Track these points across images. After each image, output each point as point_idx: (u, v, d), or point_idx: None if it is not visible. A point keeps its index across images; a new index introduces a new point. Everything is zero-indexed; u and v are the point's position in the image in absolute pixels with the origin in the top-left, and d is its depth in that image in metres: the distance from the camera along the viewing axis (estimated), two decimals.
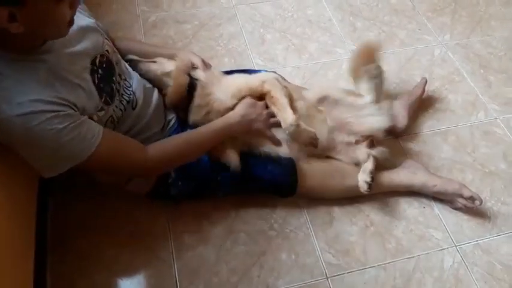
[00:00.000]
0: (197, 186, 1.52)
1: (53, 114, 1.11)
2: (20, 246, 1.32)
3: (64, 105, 1.15)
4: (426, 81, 1.92)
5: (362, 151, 1.58)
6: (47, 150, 1.13)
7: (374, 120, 1.60)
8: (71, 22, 1.13)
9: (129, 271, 1.49)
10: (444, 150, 1.82)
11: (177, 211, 1.59)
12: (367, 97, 1.63)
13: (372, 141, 1.60)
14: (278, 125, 1.49)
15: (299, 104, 1.54)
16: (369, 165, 1.55)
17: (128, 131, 1.43)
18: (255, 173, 1.49)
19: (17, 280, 1.25)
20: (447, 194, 1.61)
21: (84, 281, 1.44)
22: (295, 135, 1.46)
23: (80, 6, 1.39)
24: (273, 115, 1.50)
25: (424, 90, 1.90)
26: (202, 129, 1.44)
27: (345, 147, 1.60)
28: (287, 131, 1.45)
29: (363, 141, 1.60)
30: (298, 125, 1.44)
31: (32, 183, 1.48)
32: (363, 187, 1.52)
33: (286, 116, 1.45)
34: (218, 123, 1.46)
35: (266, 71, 1.81)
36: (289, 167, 1.51)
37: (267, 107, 1.52)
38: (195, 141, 1.43)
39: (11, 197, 1.27)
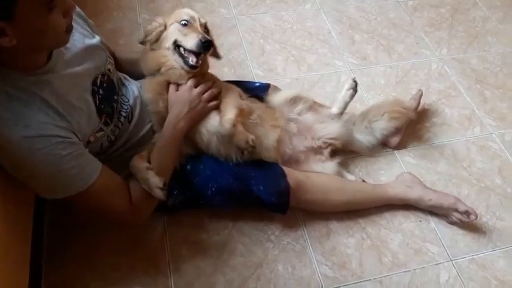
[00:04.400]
0: (192, 196, 1.51)
1: (59, 140, 1.12)
2: (15, 253, 1.31)
3: (69, 131, 1.15)
4: (422, 94, 1.94)
5: (328, 165, 1.65)
6: (45, 175, 1.14)
7: (334, 127, 1.68)
8: (68, 29, 1.13)
9: (125, 281, 1.48)
10: (440, 164, 1.83)
11: (174, 221, 1.59)
12: (334, 109, 1.72)
13: (333, 150, 1.68)
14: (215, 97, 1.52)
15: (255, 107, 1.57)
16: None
17: (122, 146, 1.43)
18: (249, 189, 1.47)
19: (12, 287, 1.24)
20: (443, 208, 1.62)
21: None
22: (230, 135, 1.42)
23: (84, 21, 1.39)
24: (205, 90, 1.50)
25: (419, 103, 1.92)
26: (164, 152, 1.40)
27: (308, 156, 1.63)
28: (222, 128, 1.43)
29: (325, 148, 1.66)
30: (234, 125, 1.42)
31: (28, 192, 1.46)
32: None
33: (225, 113, 1.44)
34: (170, 134, 1.42)
35: (261, 83, 1.83)
36: (280, 186, 1.47)
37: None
38: (166, 168, 1.39)
39: (7, 203, 1.26)
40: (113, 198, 1.29)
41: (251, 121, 1.51)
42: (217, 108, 1.50)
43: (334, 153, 1.69)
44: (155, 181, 1.29)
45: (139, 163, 1.34)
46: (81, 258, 1.49)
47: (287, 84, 2.04)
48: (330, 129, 1.67)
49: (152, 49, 1.50)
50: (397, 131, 1.80)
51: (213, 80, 1.56)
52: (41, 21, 1.02)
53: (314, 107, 1.70)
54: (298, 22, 2.39)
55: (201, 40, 1.40)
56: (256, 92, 1.70)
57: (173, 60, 1.46)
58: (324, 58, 2.21)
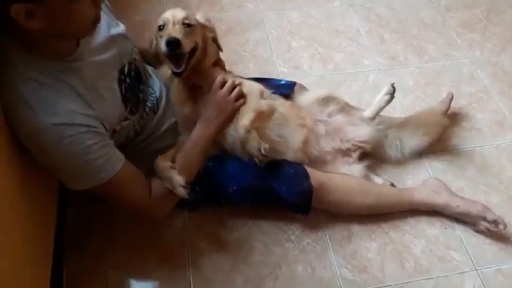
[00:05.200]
0: (214, 193, 1.51)
1: (87, 129, 1.13)
2: (41, 241, 1.34)
3: (96, 120, 1.16)
4: (452, 97, 1.88)
5: (355, 167, 1.60)
6: (70, 164, 1.15)
7: (365, 130, 1.62)
8: (96, 19, 1.13)
9: (143, 273, 1.49)
10: (469, 170, 1.77)
11: (195, 216, 1.59)
12: (367, 112, 1.66)
13: (362, 153, 1.63)
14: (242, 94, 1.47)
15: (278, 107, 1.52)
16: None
17: (146, 139, 1.43)
18: (271, 189, 1.45)
19: (36, 276, 1.27)
20: (470, 216, 1.57)
21: (98, 280, 1.45)
22: (243, 140, 1.39)
23: (109, 10, 1.40)
24: (231, 89, 1.46)
25: (449, 106, 1.87)
26: (191, 155, 1.40)
27: (335, 157, 1.59)
28: (236, 132, 1.41)
29: (354, 150, 1.62)
30: (248, 131, 1.39)
31: (53, 184, 1.50)
32: None
33: (243, 118, 1.41)
34: (199, 139, 1.41)
35: (287, 81, 1.80)
36: (303, 187, 1.45)
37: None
38: (191, 170, 1.39)
39: (33, 198, 1.28)
40: (133, 191, 1.29)
41: (273, 121, 1.49)
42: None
43: (362, 156, 1.66)
44: (178, 179, 1.30)
45: (163, 162, 1.34)
46: (101, 250, 1.51)
47: (312, 82, 2.00)
48: (361, 132, 1.62)
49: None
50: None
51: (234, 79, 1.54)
52: (68, 7, 1.03)
53: (346, 108, 1.66)
54: (326, 19, 2.35)
55: (166, 41, 1.31)
56: (282, 89, 1.67)
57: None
58: (352, 57, 2.17)
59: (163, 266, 1.49)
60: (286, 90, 1.70)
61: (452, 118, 1.92)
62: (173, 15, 1.39)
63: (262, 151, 1.36)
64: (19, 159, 1.17)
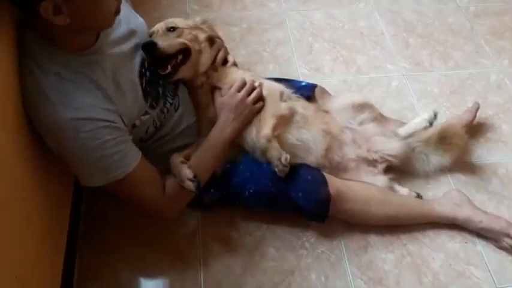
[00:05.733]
0: (229, 195, 1.49)
1: (105, 124, 1.12)
2: (54, 235, 1.34)
3: (116, 115, 1.15)
4: (478, 107, 1.81)
5: (379, 178, 1.55)
6: (88, 158, 1.14)
7: (396, 145, 1.56)
8: (117, 11, 1.13)
9: (153, 271, 1.48)
10: (493, 183, 1.71)
11: (208, 217, 1.57)
12: (401, 130, 1.59)
13: (388, 166, 1.58)
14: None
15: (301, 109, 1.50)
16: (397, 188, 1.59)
17: (165, 136, 1.42)
18: (287, 194, 1.42)
19: (48, 268, 1.27)
20: (493, 232, 1.51)
21: (109, 276, 1.44)
22: (264, 150, 1.39)
23: (128, 4, 1.40)
24: (249, 92, 1.45)
25: (475, 116, 1.80)
26: (206, 155, 1.39)
27: (359, 165, 1.55)
28: (257, 142, 1.40)
29: (381, 162, 1.57)
30: (270, 141, 1.37)
31: (69, 178, 1.49)
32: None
33: (263, 127, 1.40)
34: (215, 141, 1.40)
35: (307, 83, 1.77)
36: (320, 194, 1.41)
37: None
38: (206, 171, 1.38)
39: (49, 191, 1.28)
40: (146, 189, 1.28)
41: (293, 124, 1.46)
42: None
43: (388, 169, 1.60)
44: (186, 173, 1.30)
45: (175, 158, 1.34)
46: (113, 247, 1.49)
47: (334, 85, 1.96)
48: (391, 146, 1.57)
49: None
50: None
51: (254, 79, 1.51)
52: (93, 3, 1.04)
53: (379, 118, 1.61)
54: (350, 21, 2.30)
55: (141, 46, 1.32)
56: (302, 91, 1.64)
57: None
58: (375, 61, 2.12)
59: (174, 265, 1.47)
60: (306, 92, 1.67)
61: (477, 128, 1.86)
62: (159, 25, 1.42)
63: (283, 161, 1.34)
64: (36, 150, 1.17)
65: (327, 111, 1.59)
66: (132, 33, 1.30)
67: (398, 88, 2.01)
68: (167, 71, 1.36)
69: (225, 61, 1.54)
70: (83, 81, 1.11)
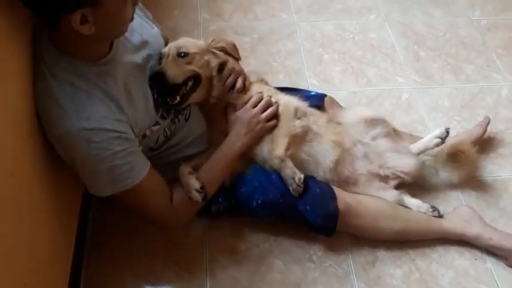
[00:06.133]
0: (236, 205, 1.48)
1: (117, 134, 1.12)
2: (61, 244, 1.34)
3: (127, 126, 1.16)
4: (489, 121, 1.80)
5: (389, 193, 1.54)
6: (98, 168, 1.14)
7: (410, 161, 1.55)
8: (132, 18, 1.14)
9: (160, 281, 1.47)
10: (504, 199, 1.69)
11: (215, 227, 1.56)
12: (412, 147, 1.58)
13: (400, 183, 1.56)
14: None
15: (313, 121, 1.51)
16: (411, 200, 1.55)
17: (175, 146, 1.42)
18: (295, 207, 1.41)
19: (55, 276, 1.27)
20: (503, 250, 1.49)
21: (115, 285, 1.44)
22: (277, 169, 1.39)
23: (142, 12, 1.41)
24: (264, 109, 1.45)
25: (485, 130, 1.79)
26: (215, 167, 1.39)
27: (370, 180, 1.53)
28: (271, 162, 1.41)
29: (392, 179, 1.55)
30: (283, 161, 1.38)
31: (77, 186, 1.49)
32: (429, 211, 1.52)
33: (276, 147, 1.40)
34: (225, 153, 1.40)
35: (317, 93, 1.77)
36: (329, 209, 1.40)
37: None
38: (213, 184, 1.38)
39: (58, 198, 1.28)
40: (154, 199, 1.29)
41: (306, 142, 1.47)
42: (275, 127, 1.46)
43: (400, 185, 1.58)
44: (194, 183, 1.30)
45: (184, 168, 1.35)
46: (119, 256, 1.49)
47: (343, 97, 1.95)
48: (405, 162, 1.55)
49: None
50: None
51: (270, 94, 1.52)
52: (119, 10, 1.05)
53: (392, 134, 1.59)
54: (360, 33, 2.30)
55: (149, 76, 1.29)
56: (311, 101, 1.64)
57: None
58: (385, 73, 2.11)
59: (181, 276, 1.46)
60: (316, 101, 1.67)
61: (488, 143, 1.84)
62: (170, 47, 1.39)
63: (297, 180, 1.35)
64: (47, 156, 1.17)
65: (339, 123, 1.58)
66: (144, 44, 1.31)
67: (409, 101, 2.00)
68: (176, 101, 1.33)
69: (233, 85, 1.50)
70: (96, 91, 1.12)
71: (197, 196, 1.30)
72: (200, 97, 1.44)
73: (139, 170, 1.21)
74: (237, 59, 1.53)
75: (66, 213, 1.39)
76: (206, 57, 1.43)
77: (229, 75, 1.47)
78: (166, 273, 1.47)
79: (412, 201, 1.54)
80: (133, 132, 1.20)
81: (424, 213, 1.52)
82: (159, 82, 1.30)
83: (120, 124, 1.14)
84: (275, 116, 1.47)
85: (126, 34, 1.19)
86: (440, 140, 1.53)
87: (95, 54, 1.14)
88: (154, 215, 1.32)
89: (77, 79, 1.09)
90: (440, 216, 1.51)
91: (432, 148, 1.56)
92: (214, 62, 1.44)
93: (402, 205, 1.54)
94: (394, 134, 1.62)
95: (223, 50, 1.48)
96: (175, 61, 1.36)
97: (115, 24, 1.08)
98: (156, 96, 1.31)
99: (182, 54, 1.37)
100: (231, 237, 1.55)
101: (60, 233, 1.32)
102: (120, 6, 1.04)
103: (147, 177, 1.22)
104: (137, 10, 1.32)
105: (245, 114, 1.43)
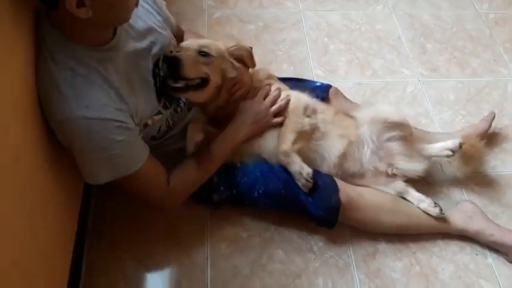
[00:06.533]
0: (238, 195, 1.48)
1: (117, 124, 1.11)
2: (63, 229, 1.33)
3: (127, 115, 1.14)
4: (494, 116, 1.79)
5: (396, 184, 1.53)
6: (97, 157, 1.13)
7: (420, 167, 1.54)
8: (136, 4, 1.12)
9: (161, 268, 1.47)
10: (507, 195, 1.68)
11: (217, 216, 1.56)
12: (428, 151, 1.56)
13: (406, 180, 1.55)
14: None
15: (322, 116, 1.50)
16: (415, 194, 1.53)
17: (177, 135, 1.41)
18: (297, 197, 1.41)
19: (57, 261, 1.27)
20: (504, 246, 1.49)
21: (116, 270, 1.44)
22: (285, 165, 1.39)
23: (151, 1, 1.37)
24: (273, 102, 1.45)
25: (490, 125, 1.77)
26: (215, 151, 1.38)
27: (377, 175, 1.53)
28: (277, 157, 1.40)
29: (398, 177, 1.54)
30: (288, 156, 1.37)
31: (79, 173, 1.48)
32: (434, 212, 1.49)
33: (283, 142, 1.39)
34: (227, 142, 1.39)
35: (322, 83, 1.75)
36: (331, 201, 1.40)
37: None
38: (210, 166, 1.39)
39: (60, 184, 1.28)
40: (151, 183, 1.29)
41: (313, 140, 1.46)
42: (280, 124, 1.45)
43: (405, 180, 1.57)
44: (194, 135, 1.32)
45: (194, 123, 1.37)
46: (121, 242, 1.49)
47: (348, 88, 1.94)
48: (415, 167, 1.53)
49: None
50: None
51: (280, 90, 1.50)
52: None
53: (407, 138, 1.54)
54: (367, 23, 2.27)
55: (163, 57, 1.26)
56: (316, 92, 1.63)
57: None
58: (391, 65, 2.09)
59: (182, 262, 1.47)
60: (321, 93, 1.66)
61: (492, 138, 1.83)
62: (192, 43, 1.35)
63: (305, 175, 1.34)
64: (49, 143, 1.16)
65: (347, 115, 1.57)
66: (149, 31, 1.28)
67: (414, 94, 1.99)
68: (178, 84, 1.29)
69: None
70: (96, 77, 1.10)
71: (190, 147, 1.32)
72: (200, 98, 1.39)
73: (137, 157, 1.20)
74: (250, 67, 1.49)
75: (68, 199, 1.38)
76: (224, 66, 1.38)
77: (238, 89, 1.43)
78: (167, 260, 1.47)
79: (415, 195, 1.53)
80: (134, 122, 1.18)
81: (426, 208, 1.50)
82: (171, 66, 1.25)
83: (120, 113, 1.12)
84: (283, 112, 1.45)
85: (130, 21, 1.16)
86: (451, 153, 1.50)
87: (98, 40, 1.12)
88: (153, 197, 1.32)
89: (76, 64, 1.08)
90: (442, 214, 1.49)
91: (441, 157, 1.55)
92: (231, 74, 1.39)
93: (405, 198, 1.53)
94: (410, 138, 1.55)
95: (240, 58, 1.42)
96: (194, 57, 1.31)
97: (116, 10, 1.06)
98: (158, 81, 1.29)
99: (203, 53, 1.33)
100: (233, 226, 1.55)
101: (62, 218, 1.31)
102: None
103: (146, 163, 1.22)
104: None
105: (255, 105, 1.42)
